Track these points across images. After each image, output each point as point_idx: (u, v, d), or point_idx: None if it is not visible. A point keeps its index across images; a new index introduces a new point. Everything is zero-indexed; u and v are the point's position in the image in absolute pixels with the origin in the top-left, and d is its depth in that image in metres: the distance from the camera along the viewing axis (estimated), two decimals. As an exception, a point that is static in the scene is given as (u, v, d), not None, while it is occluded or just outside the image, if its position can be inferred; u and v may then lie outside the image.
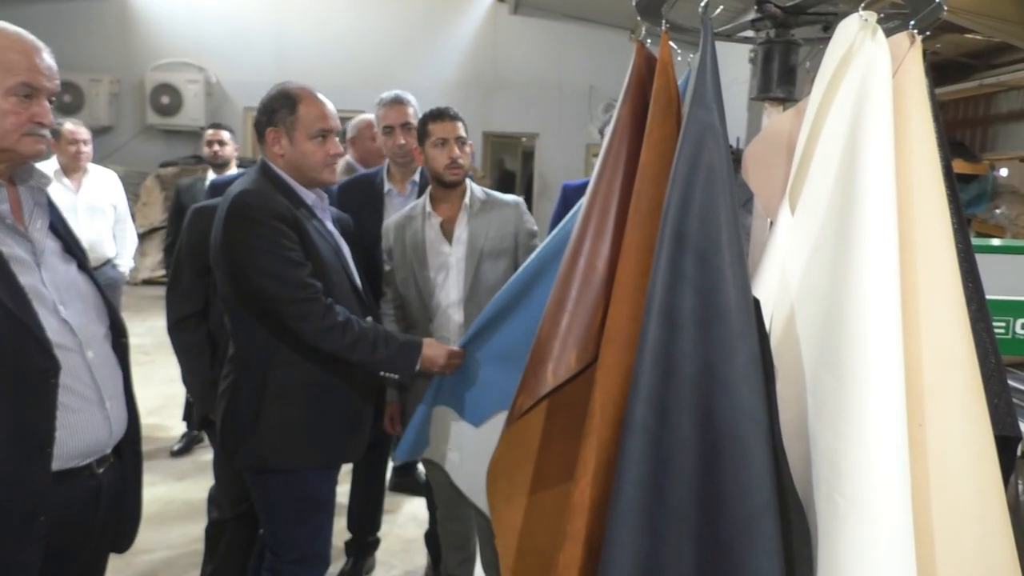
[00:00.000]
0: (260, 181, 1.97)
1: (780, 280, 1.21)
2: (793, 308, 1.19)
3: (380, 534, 3.03)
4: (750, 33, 1.53)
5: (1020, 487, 1.68)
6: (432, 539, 2.85)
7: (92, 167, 4.20)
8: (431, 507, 2.78)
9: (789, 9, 1.38)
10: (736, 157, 1.37)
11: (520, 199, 2.45)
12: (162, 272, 8.29)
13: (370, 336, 1.93)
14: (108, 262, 4.20)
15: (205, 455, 4.01)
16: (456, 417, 2.08)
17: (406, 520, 3.41)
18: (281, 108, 1.98)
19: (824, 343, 1.13)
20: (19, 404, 1.38)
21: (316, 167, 2.00)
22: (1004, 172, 6.23)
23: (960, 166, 5.80)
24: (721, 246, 1.12)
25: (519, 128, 10.81)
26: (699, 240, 1.13)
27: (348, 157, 3.32)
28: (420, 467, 3.97)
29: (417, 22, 9.99)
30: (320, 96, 2.02)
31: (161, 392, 4.71)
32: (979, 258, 1.37)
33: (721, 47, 1.26)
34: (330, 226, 2.10)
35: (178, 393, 4.15)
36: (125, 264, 4.37)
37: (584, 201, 1.41)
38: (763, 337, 1.14)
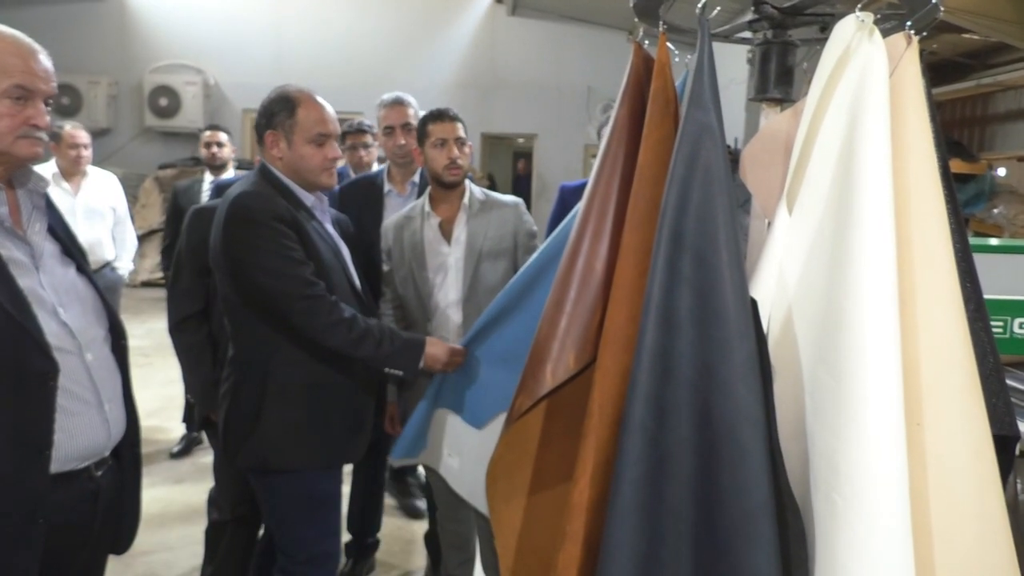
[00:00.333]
0: (259, 183, 1.97)
1: (778, 280, 1.21)
2: (791, 308, 1.19)
3: (380, 535, 3.03)
4: (748, 34, 1.53)
5: (1019, 486, 1.68)
6: (432, 540, 2.85)
7: (91, 169, 4.19)
8: (431, 508, 2.78)
9: (786, 10, 1.39)
10: (734, 157, 1.38)
11: (519, 200, 2.45)
12: (161, 274, 8.30)
13: (375, 332, 1.95)
14: (107, 265, 4.19)
15: (204, 457, 4.01)
16: (456, 420, 2.08)
17: (406, 521, 3.41)
18: (280, 111, 1.98)
19: (822, 343, 1.13)
20: (18, 407, 1.38)
21: (314, 171, 2.00)
22: (1002, 172, 6.24)
23: (958, 166, 5.80)
24: (719, 246, 1.12)
25: (517, 129, 10.83)
26: (697, 241, 1.13)
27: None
28: (420, 468, 3.97)
29: (415, 23, 9.99)
30: (320, 100, 2.02)
31: (160, 394, 4.71)
32: (977, 258, 1.37)
33: (719, 48, 1.26)
34: (329, 228, 2.10)
35: (177, 395, 4.15)
36: (125, 266, 4.37)
37: (582, 202, 1.41)
38: (761, 337, 1.15)
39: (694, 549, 1.10)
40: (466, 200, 2.34)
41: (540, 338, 1.39)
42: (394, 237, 2.37)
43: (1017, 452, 1.36)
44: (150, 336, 6.25)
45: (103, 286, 1.68)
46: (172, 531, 3.24)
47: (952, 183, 1.30)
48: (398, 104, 2.82)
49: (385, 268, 2.40)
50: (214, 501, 2.63)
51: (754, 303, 1.15)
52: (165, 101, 9.40)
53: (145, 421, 1.88)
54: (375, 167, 3.16)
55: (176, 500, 3.54)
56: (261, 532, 2.57)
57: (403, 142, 2.74)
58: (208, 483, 2.76)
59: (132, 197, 4.72)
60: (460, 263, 2.30)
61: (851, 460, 1.05)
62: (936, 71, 6.30)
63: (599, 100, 9.69)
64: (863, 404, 1.05)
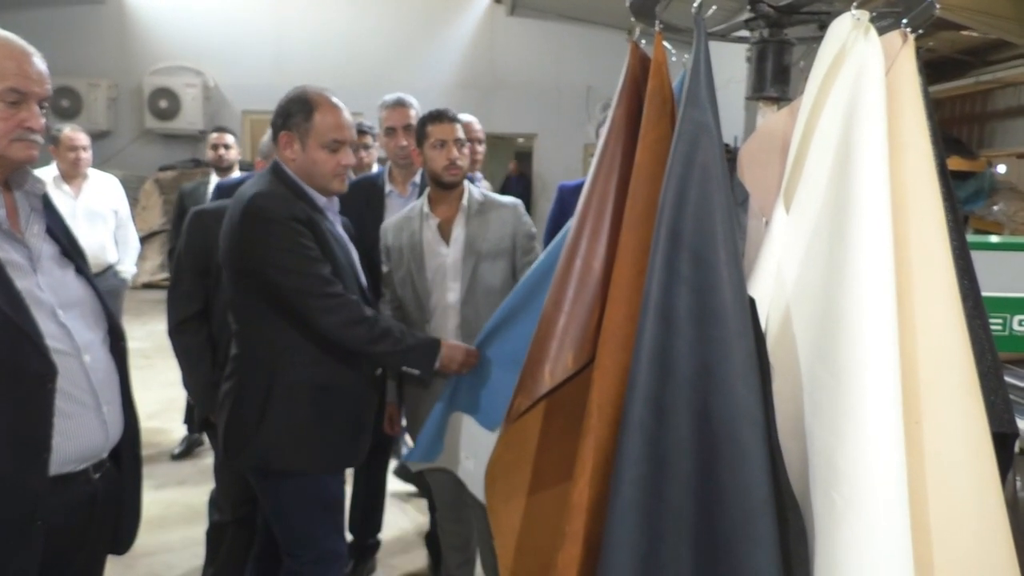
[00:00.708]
0: (273, 183, 1.96)
1: (776, 279, 1.21)
2: (789, 307, 1.19)
3: (381, 536, 3.04)
4: (745, 33, 1.53)
5: (1018, 484, 1.68)
6: (432, 541, 2.85)
7: (92, 172, 4.19)
8: (431, 509, 2.78)
9: (782, 8, 1.39)
10: (732, 156, 1.38)
11: (518, 201, 2.45)
12: (163, 276, 8.31)
13: (395, 330, 1.96)
14: (110, 268, 4.19)
15: (206, 458, 4.01)
16: (472, 423, 2.08)
17: (407, 522, 3.41)
18: (297, 113, 1.96)
19: (820, 342, 1.13)
20: (16, 409, 1.38)
21: (325, 176, 1.98)
22: (1002, 169, 6.23)
23: (957, 163, 5.80)
24: (716, 245, 1.12)
25: (517, 129, 10.83)
26: (694, 240, 1.13)
27: None
28: (404, 448, 3.97)
29: (415, 24, 10.00)
30: (338, 103, 2.00)
31: (161, 396, 4.71)
32: (976, 255, 1.37)
33: (718, 47, 1.26)
34: (339, 229, 2.10)
35: (178, 397, 4.15)
36: (128, 269, 4.37)
37: (580, 202, 1.41)
38: (759, 336, 1.15)
39: (694, 548, 1.10)
40: (465, 201, 2.34)
41: (538, 338, 1.39)
42: (393, 238, 2.37)
43: (1016, 449, 1.35)
44: (151, 338, 6.26)
45: (106, 291, 1.68)
46: (173, 532, 3.25)
47: (949, 180, 1.30)
48: (399, 105, 2.83)
49: (384, 269, 2.40)
50: (215, 502, 2.63)
51: (752, 302, 1.15)
52: (165, 103, 9.40)
53: (146, 423, 1.89)
54: (375, 168, 3.17)
55: (177, 501, 3.54)
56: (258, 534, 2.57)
57: (405, 143, 2.75)
58: (209, 484, 2.76)
59: (132, 199, 4.72)
60: (459, 264, 2.30)
61: (850, 458, 1.05)
62: (935, 68, 6.29)
63: (598, 100, 9.69)
64: (862, 402, 1.05)
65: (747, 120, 6.06)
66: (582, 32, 10.13)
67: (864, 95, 1.12)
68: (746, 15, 1.45)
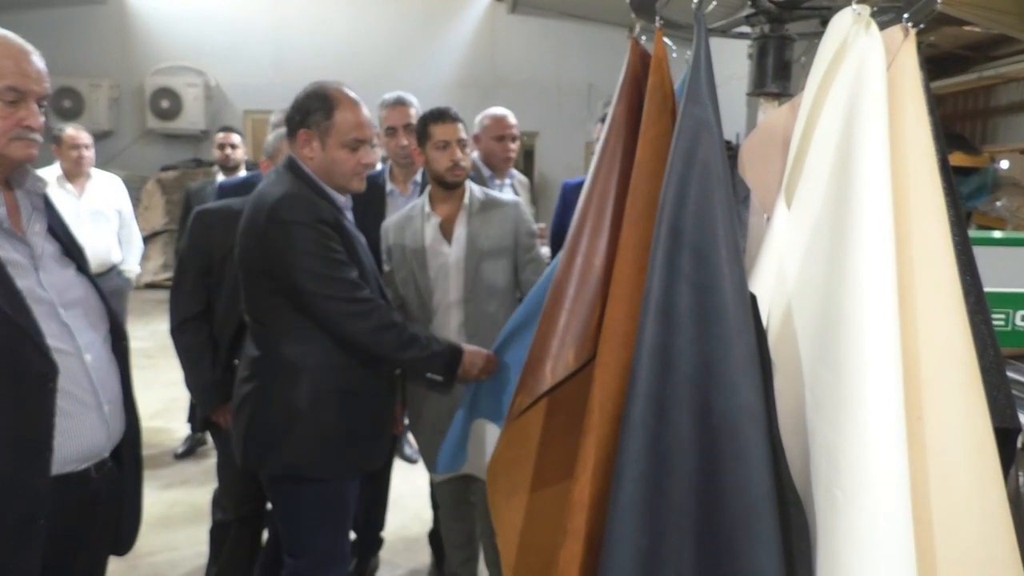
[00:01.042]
0: (295, 183, 1.90)
1: (777, 275, 1.21)
2: (790, 303, 1.19)
3: (384, 534, 3.04)
4: (745, 29, 1.53)
5: (1020, 479, 1.67)
6: (435, 538, 2.86)
7: (95, 172, 4.20)
8: (434, 507, 2.79)
9: (783, 4, 1.38)
10: (733, 153, 1.37)
11: (519, 199, 2.45)
12: (166, 276, 8.32)
13: (421, 336, 1.93)
14: (114, 268, 4.19)
15: (208, 457, 4.01)
16: (494, 429, 2.07)
17: (410, 519, 3.41)
18: (317, 110, 1.91)
19: (821, 338, 1.13)
20: (17, 409, 1.38)
21: (346, 175, 1.94)
22: (1005, 164, 6.21)
23: (960, 159, 5.78)
24: (717, 242, 1.12)
25: (519, 127, 10.79)
26: (695, 236, 1.13)
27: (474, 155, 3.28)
28: (407, 447, 3.98)
29: (415, 23, 9.99)
30: (357, 100, 1.96)
31: (164, 395, 4.71)
32: (979, 250, 1.37)
33: (720, 43, 1.26)
34: (356, 229, 2.06)
35: (181, 396, 4.16)
36: (132, 269, 4.37)
37: (581, 199, 1.41)
38: (760, 333, 1.15)
39: (696, 545, 1.10)
40: (466, 200, 2.33)
41: (540, 335, 1.39)
42: (394, 237, 2.37)
43: (1019, 445, 1.35)
44: (154, 338, 6.27)
45: (110, 291, 1.68)
46: (176, 532, 3.25)
47: (951, 176, 1.30)
48: (400, 104, 2.83)
49: (385, 268, 2.40)
50: (218, 501, 2.63)
51: (753, 298, 1.15)
52: (167, 103, 9.40)
53: (149, 422, 1.89)
54: (378, 166, 3.17)
55: (180, 501, 3.55)
56: (265, 535, 2.57)
57: (406, 143, 2.75)
58: (212, 483, 2.77)
59: (135, 199, 4.73)
60: (461, 263, 2.29)
61: (851, 454, 1.05)
62: (937, 64, 6.28)
63: (600, 97, 9.67)
64: (863, 398, 1.05)
65: (749, 117, 6.04)
66: (583, 30, 10.11)
67: (865, 90, 1.11)
68: (747, 11, 1.45)
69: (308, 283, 1.83)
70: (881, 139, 1.10)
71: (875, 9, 1.18)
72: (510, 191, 3.16)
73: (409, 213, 2.38)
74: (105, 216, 4.16)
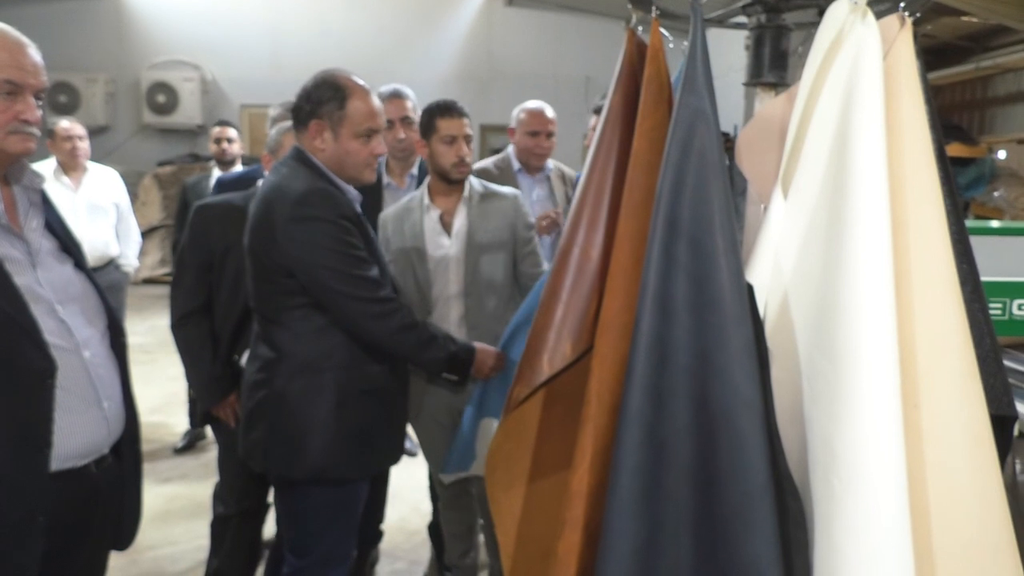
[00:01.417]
0: (312, 177, 1.84)
1: (774, 265, 1.21)
2: (787, 293, 1.19)
3: (383, 526, 3.05)
4: (742, 19, 1.52)
5: (1017, 467, 1.68)
6: (435, 530, 2.86)
7: (92, 166, 4.18)
8: (434, 498, 2.79)
9: (780, -6, 1.38)
10: (730, 144, 1.37)
11: (518, 192, 2.45)
12: (163, 271, 8.30)
13: (438, 336, 1.91)
14: (111, 262, 4.19)
15: (208, 452, 4.02)
16: None
17: (409, 512, 3.42)
18: (329, 100, 1.85)
19: (819, 327, 1.13)
20: (16, 405, 1.38)
21: (358, 166, 1.89)
22: (1002, 154, 6.21)
23: (958, 149, 5.78)
24: (714, 233, 1.12)
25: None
26: (692, 227, 1.13)
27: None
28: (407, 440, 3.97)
29: (412, 16, 9.96)
30: (369, 89, 1.91)
31: (163, 391, 4.72)
32: (977, 240, 1.37)
33: (718, 34, 1.26)
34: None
35: (180, 391, 4.17)
36: (130, 263, 4.36)
37: (577, 190, 1.41)
38: (757, 323, 1.15)
39: (693, 534, 1.11)
40: (466, 193, 2.33)
41: (537, 327, 1.39)
42: (393, 228, 2.36)
43: (1015, 432, 1.36)
44: (152, 333, 6.26)
45: (108, 285, 1.67)
46: (177, 527, 3.26)
47: (948, 165, 1.30)
48: (396, 97, 2.81)
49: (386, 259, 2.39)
50: (219, 495, 2.63)
51: (750, 288, 1.15)
52: (163, 98, 9.37)
53: (148, 418, 1.88)
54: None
55: (180, 496, 3.55)
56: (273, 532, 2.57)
57: (403, 136, 2.73)
58: (212, 478, 2.77)
59: (132, 195, 4.71)
60: (461, 255, 2.29)
61: (848, 443, 1.06)
62: (935, 54, 6.27)
63: (597, 90, 9.66)
64: (860, 387, 1.05)
65: (747, 108, 6.03)
66: (580, 22, 10.09)
67: (862, 80, 1.11)
68: (743, 1, 1.44)
69: (332, 281, 1.79)
70: (878, 129, 1.10)
71: (871, -2, 1.17)
72: (542, 187, 3.11)
73: (408, 205, 2.37)
74: (102, 210, 4.14)
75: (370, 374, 1.90)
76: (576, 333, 1.34)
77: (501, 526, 1.54)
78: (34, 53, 1.45)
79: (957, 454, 1.11)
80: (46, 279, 1.47)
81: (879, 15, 1.17)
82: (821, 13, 1.40)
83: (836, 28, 1.16)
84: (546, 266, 2.31)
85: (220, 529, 2.60)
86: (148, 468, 1.74)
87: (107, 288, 1.65)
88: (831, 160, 1.14)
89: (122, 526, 1.69)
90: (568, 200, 3.10)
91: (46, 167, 3.92)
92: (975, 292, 1.30)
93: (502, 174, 3.02)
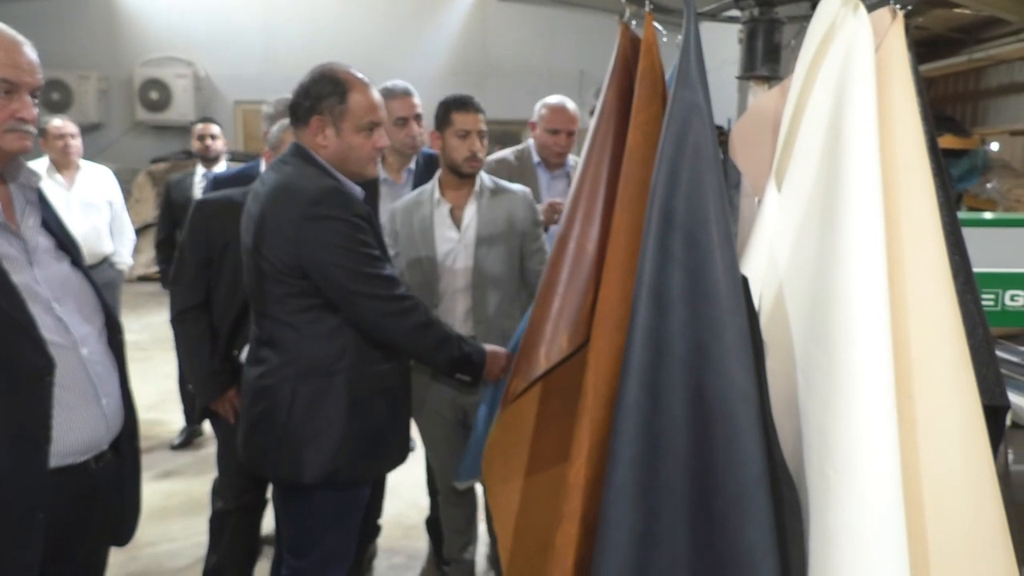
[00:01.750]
0: (318, 175, 1.80)
1: (768, 257, 1.22)
2: (782, 285, 1.20)
3: (381, 521, 3.05)
4: (735, 12, 1.53)
5: (1009, 456, 1.70)
6: (433, 525, 2.87)
7: (85, 163, 4.17)
8: (432, 493, 2.80)
9: (772, -13, 1.39)
10: (724, 138, 1.38)
11: (527, 188, 2.45)
12: (158, 268, 8.27)
13: (452, 334, 1.88)
14: (106, 260, 4.18)
15: (205, 448, 4.02)
16: None
17: (407, 506, 3.43)
18: (330, 95, 1.80)
19: (813, 319, 1.14)
20: (15, 403, 1.38)
21: (362, 161, 1.85)
22: (995, 146, 6.24)
23: (951, 141, 5.80)
24: (709, 225, 1.13)
25: (511, 115, 10.76)
26: (687, 220, 1.13)
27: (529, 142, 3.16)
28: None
29: (406, 11, 9.93)
30: (368, 82, 1.86)
31: (159, 388, 4.71)
32: (970, 231, 1.38)
33: (712, 28, 1.26)
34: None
35: (176, 388, 4.16)
36: (124, 261, 4.36)
37: (573, 184, 1.42)
38: (752, 315, 1.16)
39: (690, 525, 1.12)
40: (477, 187, 2.33)
41: (534, 321, 1.40)
42: (402, 221, 2.35)
43: (1007, 422, 1.37)
44: (148, 330, 6.25)
45: (103, 282, 1.66)
46: (175, 523, 3.26)
47: (940, 157, 1.31)
48: (407, 95, 2.76)
49: (391, 253, 2.38)
50: (218, 491, 2.63)
51: (745, 281, 1.16)
52: (156, 95, 9.33)
53: (145, 414, 1.88)
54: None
55: (178, 492, 3.55)
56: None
57: (416, 132, 2.71)
58: (209, 474, 2.77)
59: (126, 192, 4.69)
60: (470, 249, 2.29)
61: (843, 434, 1.07)
62: (928, 46, 6.28)
63: (592, 84, 9.62)
64: (854, 378, 1.06)
65: (740, 102, 6.04)
66: (574, 16, 10.08)
67: (854, 72, 1.12)
68: (736, -5, 1.45)
69: (347, 281, 1.75)
70: (870, 121, 1.10)
71: (863, -9, 1.18)
72: (561, 183, 3.07)
73: (418, 198, 2.36)
74: (96, 207, 4.13)
75: (380, 374, 1.87)
76: (572, 326, 1.34)
77: (499, 519, 1.55)
78: (30, 51, 1.44)
79: (950, 444, 1.12)
80: (43, 277, 1.47)
81: (871, 8, 1.18)
82: (813, 6, 1.41)
83: (828, 21, 1.17)
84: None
85: (219, 525, 2.60)
86: (145, 464, 1.74)
87: (102, 286, 1.65)
88: (824, 153, 1.15)
89: (121, 522, 1.69)
90: None
91: (39, 166, 3.91)
92: (967, 283, 1.31)
93: (521, 166, 2.98)
